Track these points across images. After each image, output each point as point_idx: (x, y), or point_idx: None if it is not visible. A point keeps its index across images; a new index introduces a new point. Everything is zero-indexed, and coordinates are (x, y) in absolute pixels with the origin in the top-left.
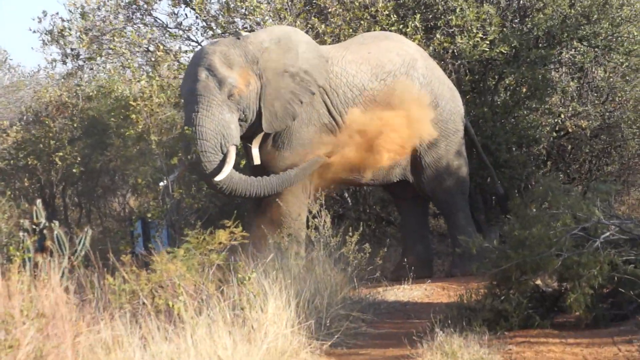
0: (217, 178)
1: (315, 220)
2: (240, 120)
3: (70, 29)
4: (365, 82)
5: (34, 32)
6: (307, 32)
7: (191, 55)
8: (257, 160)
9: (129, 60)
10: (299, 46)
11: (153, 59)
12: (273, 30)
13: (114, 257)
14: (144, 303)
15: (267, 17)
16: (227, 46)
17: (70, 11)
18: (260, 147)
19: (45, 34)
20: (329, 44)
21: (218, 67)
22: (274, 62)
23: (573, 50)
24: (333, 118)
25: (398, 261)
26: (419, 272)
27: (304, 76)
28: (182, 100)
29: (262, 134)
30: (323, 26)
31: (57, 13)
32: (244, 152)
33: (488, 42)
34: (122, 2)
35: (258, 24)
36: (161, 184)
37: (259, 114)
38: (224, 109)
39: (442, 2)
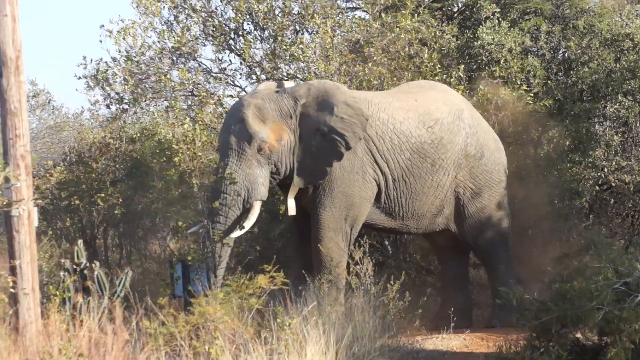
0: (233, 234)
1: (357, 267)
2: (272, 173)
3: (115, 73)
4: (413, 129)
5: (79, 78)
6: (350, 79)
7: (234, 99)
8: (291, 212)
9: (172, 102)
10: (336, 105)
11: (197, 103)
12: (313, 86)
13: (152, 300)
14: (181, 346)
15: (312, 62)
16: (263, 99)
17: (115, 57)
18: (302, 195)
19: (90, 79)
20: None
21: (250, 121)
22: (309, 118)
23: (617, 104)
24: (378, 166)
25: (438, 310)
26: (458, 322)
27: (334, 137)
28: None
29: None
30: (366, 74)
31: (102, 58)
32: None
33: (532, 95)
34: (167, 46)
35: (302, 70)
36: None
37: (293, 168)
38: (252, 164)
39: (486, 53)
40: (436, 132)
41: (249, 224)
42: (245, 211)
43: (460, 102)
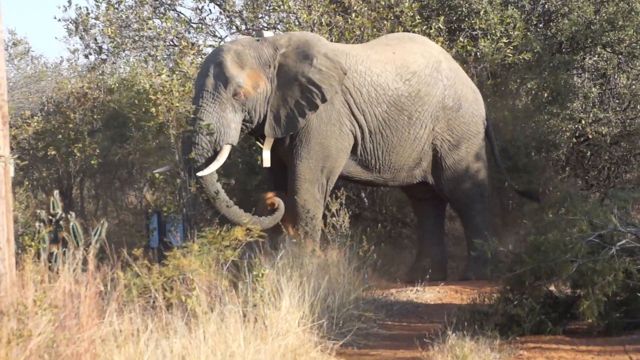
0: (200, 173)
1: (333, 219)
2: (245, 121)
3: (96, 19)
4: (390, 82)
5: (59, 20)
6: (330, 29)
7: None
8: (266, 163)
9: (153, 51)
10: (316, 57)
11: (177, 53)
12: (294, 36)
13: (127, 251)
14: (155, 297)
15: (292, 12)
16: (243, 46)
17: (97, 1)
18: (279, 146)
19: (70, 23)
20: (352, 43)
21: (228, 65)
22: (288, 68)
23: (596, 56)
24: (355, 118)
25: (413, 263)
26: (433, 275)
27: (311, 88)
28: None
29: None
30: (348, 24)
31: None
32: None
33: (511, 47)
34: None
35: (281, 21)
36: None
37: (265, 117)
38: (227, 107)
39: (466, 5)
40: (413, 84)
41: (216, 165)
42: (215, 153)
43: (438, 53)
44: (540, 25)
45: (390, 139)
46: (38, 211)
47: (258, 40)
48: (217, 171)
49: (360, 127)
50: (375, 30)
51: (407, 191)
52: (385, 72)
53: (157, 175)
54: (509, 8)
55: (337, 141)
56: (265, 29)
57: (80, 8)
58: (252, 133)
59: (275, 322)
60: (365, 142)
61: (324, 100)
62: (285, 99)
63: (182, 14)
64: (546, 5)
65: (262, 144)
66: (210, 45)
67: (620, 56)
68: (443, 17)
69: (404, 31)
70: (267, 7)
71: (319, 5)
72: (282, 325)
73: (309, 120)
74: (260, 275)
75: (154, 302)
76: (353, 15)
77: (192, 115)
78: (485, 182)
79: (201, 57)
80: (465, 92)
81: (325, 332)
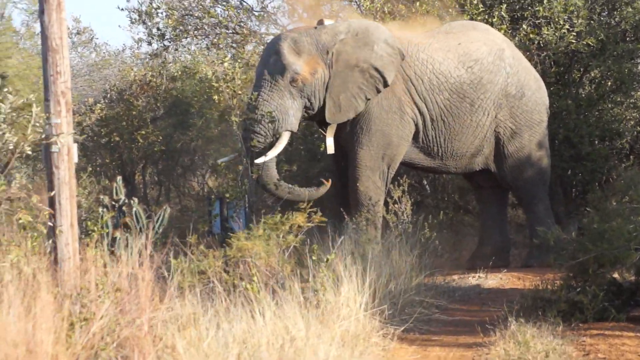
0: (258, 160)
1: (395, 206)
2: (306, 107)
3: (158, 7)
4: (452, 69)
5: (122, 9)
6: (393, 17)
7: None
8: (330, 150)
9: (215, 38)
10: (376, 43)
11: (239, 41)
12: (353, 23)
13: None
14: (213, 282)
15: (355, 1)
16: (300, 33)
17: None
18: (341, 133)
19: (133, 12)
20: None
21: (285, 53)
22: (347, 54)
23: None
24: (417, 106)
25: (475, 250)
26: (495, 261)
27: (374, 73)
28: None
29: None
30: (409, 12)
31: None
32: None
33: (575, 34)
34: None
35: (343, 9)
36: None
37: (325, 103)
38: (284, 95)
39: None
40: (475, 72)
41: (274, 152)
42: (273, 141)
43: (501, 42)
44: (604, 13)
45: (452, 126)
46: (101, 197)
47: (316, 27)
48: (279, 158)
49: (421, 114)
50: (439, 18)
51: (469, 179)
52: (447, 59)
53: (220, 163)
54: None
55: (398, 129)
56: (327, 17)
57: None
58: (313, 118)
59: (336, 307)
60: (427, 130)
61: (385, 85)
62: (346, 84)
63: (245, 1)
64: None
65: (325, 131)
66: (272, 34)
67: None
68: (506, 5)
69: (469, 19)
70: None
71: None
72: (343, 310)
73: (370, 107)
74: (324, 260)
75: (213, 287)
76: (417, 4)
77: (252, 103)
78: (547, 170)
79: (263, 45)
80: (528, 80)
81: (386, 317)
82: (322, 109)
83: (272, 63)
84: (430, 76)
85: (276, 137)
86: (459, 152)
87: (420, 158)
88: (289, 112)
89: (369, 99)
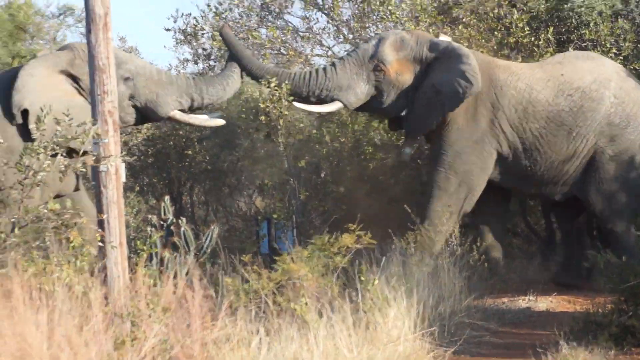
0: (296, 103)
1: (444, 228)
2: (372, 97)
3: (203, 28)
4: (550, 97)
5: (168, 30)
6: None
7: (321, 60)
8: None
9: (261, 59)
10: (467, 69)
11: (284, 62)
12: (451, 45)
13: (238, 256)
14: (266, 303)
15: (400, 23)
16: (412, 36)
17: (203, 12)
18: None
19: (179, 32)
20: None
21: (386, 44)
22: (433, 73)
23: None
24: (506, 136)
25: (559, 267)
26: (571, 279)
27: (452, 96)
28: None
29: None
30: (454, 35)
31: (190, 13)
32: None
33: (622, 58)
34: (254, 4)
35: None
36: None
37: (400, 110)
38: (362, 74)
39: (576, 16)
40: (575, 100)
41: (315, 108)
42: (320, 101)
43: (611, 72)
44: None
45: (549, 154)
46: (149, 216)
47: (426, 39)
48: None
49: (511, 143)
50: (483, 41)
51: (553, 204)
52: (547, 88)
53: (267, 181)
54: (619, 19)
55: (478, 159)
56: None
57: (189, 16)
58: (372, 111)
59: (386, 328)
60: (519, 159)
61: (458, 105)
62: (422, 100)
63: (290, 22)
64: None
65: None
66: (317, 55)
67: None
68: (552, 28)
69: (514, 42)
70: (375, 17)
71: (426, 16)
72: (392, 331)
73: (453, 133)
74: (372, 283)
75: (263, 307)
76: (460, 27)
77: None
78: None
79: (308, 66)
80: (636, 112)
81: (436, 339)
82: (387, 110)
83: (371, 44)
84: (526, 105)
85: (325, 100)
86: (554, 179)
87: (519, 185)
88: (355, 89)
89: (446, 114)
